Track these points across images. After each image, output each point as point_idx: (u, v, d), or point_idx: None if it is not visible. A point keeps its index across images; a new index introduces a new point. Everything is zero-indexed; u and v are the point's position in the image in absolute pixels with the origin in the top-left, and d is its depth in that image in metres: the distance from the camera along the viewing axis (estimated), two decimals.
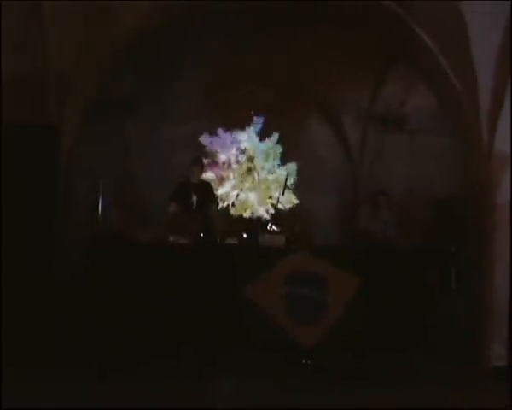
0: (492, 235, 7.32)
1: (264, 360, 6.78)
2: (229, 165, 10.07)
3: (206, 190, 8.32)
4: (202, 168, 8.53)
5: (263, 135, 10.19)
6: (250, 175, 10.04)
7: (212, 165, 9.87)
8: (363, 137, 11.03)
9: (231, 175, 10.00)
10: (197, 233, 7.57)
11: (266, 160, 10.11)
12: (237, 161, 10.08)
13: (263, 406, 5.76)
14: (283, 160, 10.15)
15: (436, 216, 9.02)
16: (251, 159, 10.08)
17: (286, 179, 9.34)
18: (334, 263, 7.24)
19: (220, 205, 9.58)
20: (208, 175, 9.51)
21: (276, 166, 10.10)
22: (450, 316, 7.52)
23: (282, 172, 9.99)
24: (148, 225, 8.29)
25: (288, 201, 9.93)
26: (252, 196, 9.95)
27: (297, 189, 9.84)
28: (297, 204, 9.97)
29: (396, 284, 7.30)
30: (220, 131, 10.11)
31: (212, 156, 10.06)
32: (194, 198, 8.04)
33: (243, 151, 10.16)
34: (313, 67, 10.00)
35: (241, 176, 10.03)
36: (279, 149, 10.17)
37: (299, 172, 9.93)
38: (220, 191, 9.76)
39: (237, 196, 9.87)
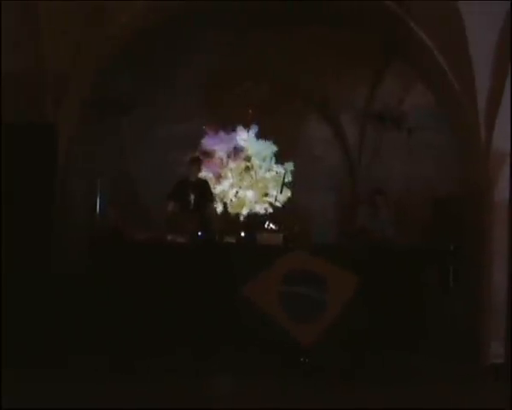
0: (490, 233, 7.40)
1: (262, 358, 6.83)
2: (227, 163, 10.06)
3: (204, 189, 8.35)
4: (200, 167, 8.57)
5: (260, 134, 10.18)
6: (248, 173, 10.03)
7: (209, 163, 9.86)
8: (361, 135, 11.02)
9: (229, 173, 9.99)
10: (195, 232, 7.57)
11: (263, 158, 10.10)
12: (235, 160, 10.07)
13: (261, 405, 5.78)
14: (281, 158, 10.13)
15: (434, 214, 9.04)
16: (248, 157, 10.07)
17: (284, 178, 9.35)
18: (332, 262, 7.25)
19: (218, 203, 9.58)
20: (206, 173, 9.49)
21: (273, 164, 10.09)
22: (448, 314, 7.58)
23: (279, 170, 9.97)
24: (146, 224, 8.32)
25: (286, 199, 9.92)
26: (249, 195, 9.94)
27: (295, 187, 9.82)
28: (295, 202, 9.95)
29: (394, 283, 7.31)
30: (217, 129, 10.11)
31: (210, 155, 10.05)
32: (192, 197, 8.07)
33: (240, 149, 10.14)
34: (311, 65, 10.00)
35: (239, 174, 10.01)
36: (277, 147, 10.17)
37: (296, 171, 9.91)
38: (218, 190, 9.75)
39: (236, 193, 9.87)
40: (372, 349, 7.05)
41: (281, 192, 9.48)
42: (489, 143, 7.41)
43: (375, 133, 10.90)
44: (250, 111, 10.11)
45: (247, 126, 10.10)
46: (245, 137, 10.13)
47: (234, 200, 9.94)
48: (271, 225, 8.23)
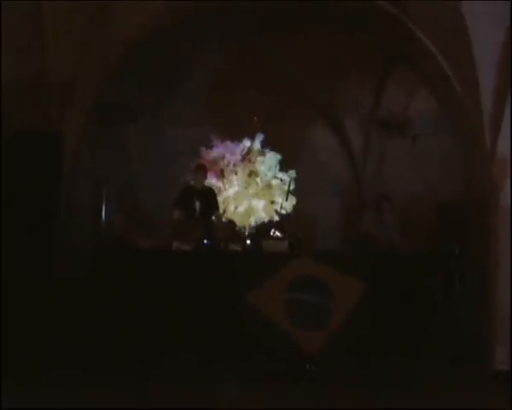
0: (495, 238, 7.38)
1: (266, 365, 6.83)
2: (232, 171, 10.12)
3: (210, 197, 8.39)
4: (206, 175, 8.59)
5: (265, 142, 10.24)
6: (253, 181, 10.07)
7: (215, 171, 9.92)
8: (366, 141, 11.06)
9: (234, 181, 10.04)
10: (200, 239, 7.62)
11: (269, 166, 10.14)
12: (240, 167, 10.12)
13: None
14: (286, 165, 10.18)
15: (439, 219, 9.04)
16: (254, 165, 10.12)
17: (289, 185, 9.39)
18: (337, 268, 7.27)
19: (223, 211, 9.60)
20: (211, 181, 9.54)
21: (279, 171, 10.13)
22: (453, 319, 7.56)
23: (285, 177, 10.01)
24: (151, 232, 8.37)
25: (292, 206, 9.96)
26: (255, 202, 9.99)
27: (300, 194, 9.86)
28: (300, 209, 9.98)
29: (399, 288, 7.34)
30: (223, 137, 10.17)
31: (215, 162, 10.11)
32: (198, 204, 8.10)
33: (246, 157, 10.19)
34: (315, 72, 10.04)
35: (245, 182, 10.06)
36: (282, 154, 10.22)
37: (301, 177, 9.96)
38: (223, 197, 9.79)
39: (240, 201, 9.91)
40: (377, 355, 7.05)
41: (286, 200, 9.51)
42: (494, 147, 7.40)
43: (380, 140, 10.93)
44: (255, 118, 10.16)
45: (252, 134, 10.17)
46: (251, 145, 10.19)
47: (239, 208, 9.99)
48: (277, 232, 8.26)
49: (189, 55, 9.49)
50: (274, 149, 10.20)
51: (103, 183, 8.48)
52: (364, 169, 11.15)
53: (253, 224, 9.86)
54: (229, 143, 10.16)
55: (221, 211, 9.26)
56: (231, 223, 9.63)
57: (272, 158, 10.17)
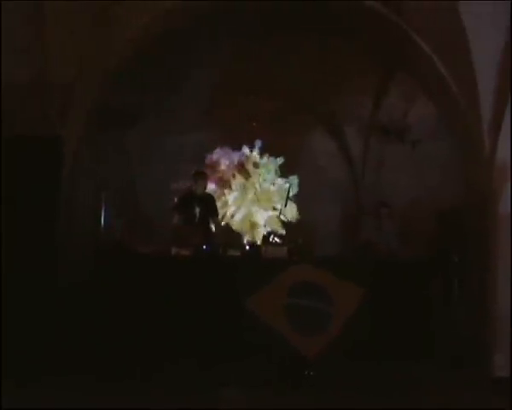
0: (495, 244, 7.37)
1: (266, 370, 6.85)
2: (231, 176, 10.15)
3: (209, 203, 8.44)
4: (206, 181, 8.62)
5: (264, 148, 10.28)
6: (252, 186, 10.10)
7: (213, 177, 9.96)
8: (366, 148, 11.10)
9: (233, 187, 10.07)
10: (199, 245, 7.67)
11: (268, 171, 10.18)
12: (239, 173, 10.16)
13: None
14: (285, 171, 10.21)
15: (438, 226, 9.08)
16: (252, 170, 10.14)
17: (288, 191, 9.42)
18: (337, 274, 7.30)
19: (222, 217, 9.64)
20: (210, 187, 9.57)
21: (277, 177, 10.17)
22: (452, 326, 7.61)
23: (284, 183, 10.04)
24: (151, 237, 8.41)
25: (291, 213, 9.98)
26: (254, 208, 10.02)
27: (299, 200, 9.89)
28: (300, 216, 10.01)
29: (399, 294, 7.38)
30: (223, 142, 10.21)
31: (214, 168, 10.14)
32: (197, 210, 8.15)
33: (245, 163, 10.23)
34: (314, 78, 10.06)
35: (243, 187, 10.09)
36: (281, 161, 10.25)
37: (301, 184, 10.00)
38: (222, 203, 9.83)
39: (239, 207, 9.95)
40: (376, 361, 7.07)
41: (285, 206, 9.54)
42: (493, 153, 7.39)
43: (380, 146, 10.97)
44: (254, 124, 10.20)
45: (251, 140, 10.20)
46: (250, 151, 10.22)
47: (238, 214, 10.02)
48: (276, 238, 8.30)
49: (191, 58, 9.50)
50: (273, 154, 10.22)
51: (103, 187, 8.51)
52: (364, 175, 11.17)
53: (251, 230, 9.87)
54: (228, 148, 10.19)
55: (220, 217, 9.28)
56: (230, 229, 9.67)
57: (271, 164, 10.19)
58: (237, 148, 10.23)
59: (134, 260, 7.47)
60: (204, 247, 7.68)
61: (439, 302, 7.73)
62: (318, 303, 7.22)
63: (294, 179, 9.96)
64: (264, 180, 10.11)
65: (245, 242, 9.29)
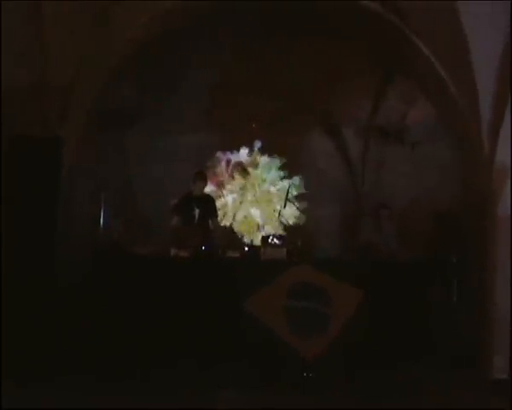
0: (494, 246, 7.43)
1: (265, 372, 6.92)
2: (231, 177, 10.19)
3: (209, 204, 8.48)
4: (205, 182, 8.66)
5: (263, 148, 10.33)
6: (251, 187, 10.13)
7: (213, 178, 10.00)
8: (365, 149, 11.13)
9: (233, 188, 10.11)
10: (198, 246, 7.71)
11: (268, 171, 10.21)
12: (238, 174, 10.20)
13: None
14: (284, 172, 10.26)
15: (438, 227, 9.12)
16: (252, 171, 10.18)
17: (287, 192, 9.46)
18: (336, 276, 7.35)
19: (221, 218, 9.67)
20: (209, 188, 9.62)
21: (278, 178, 10.20)
22: (451, 328, 7.65)
23: (284, 184, 10.07)
24: (149, 238, 8.44)
25: (291, 215, 10.02)
26: (253, 209, 10.05)
27: (299, 201, 9.94)
28: (301, 217, 10.04)
29: (398, 296, 7.43)
30: (222, 143, 10.26)
31: (214, 169, 10.19)
32: (197, 211, 8.19)
33: (244, 164, 10.27)
34: (313, 79, 10.10)
35: (242, 188, 10.12)
36: (281, 161, 10.30)
37: (300, 185, 10.05)
38: (221, 204, 9.87)
39: (238, 208, 9.98)
40: (375, 362, 7.14)
41: (284, 207, 9.58)
42: (492, 155, 7.44)
43: (379, 147, 11.01)
44: (254, 125, 10.24)
45: (250, 140, 10.24)
46: (249, 152, 10.27)
47: (238, 215, 10.06)
48: (275, 239, 8.33)
49: (191, 58, 9.54)
50: (272, 155, 10.26)
51: (102, 187, 8.54)
52: (363, 177, 11.20)
53: (251, 231, 9.91)
54: (227, 149, 10.23)
55: (219, 218, 9.30)
56: (229, 230, 9.70)
57: (271, 165, 10.23)
58: (236, 149, 10.28)
59: (132, 260, 7.52)
60: (203, 248, 7.72)
61: (438, 304, 7.77)
62: (317, 304, 7.27)
63: (296, 180, 10.01)
64: (264, 181, 10.14)
65: (244, 243, 9.32)
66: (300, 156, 10.87)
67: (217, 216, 8.75)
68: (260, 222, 9.97)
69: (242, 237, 9.84)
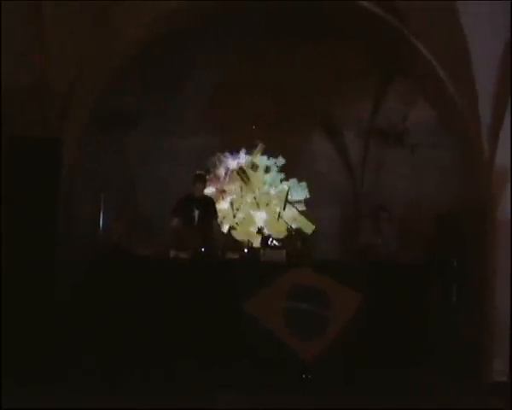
0: (493, 249, 7.46)
1: (264, 374, 6.97)
2: (230, 179, 10.23)
3: (208, 205, 8.53)
4: (205, 184, 8.73)
5: (264, 151, 10.36)
6: (251, 189, 10.16)
7: (213, 179, 10.04)
8: (365, 151, 11.17)
9: (232, 189, 10.15)
10: (198, 248, 7.76)
11: (267, 172, 10.25)
12: (238, 176, 10.23)
13: None
14: (284, 174, 10.30)
15: (437, 230, 9.18)
16: (252, 173, 10.22)
17: (287, 194, 9.49)
18: (336, 278, 7.40)
19: (221, 220, 9.70)
20: (209, 190, 9.67)
21: (277, 179, 10.24)
22: (451, 330, 7.70)
23: (283, 186, 10.11)
24: (150, 240, 8.48)
25: (291, 217, 10.05)
26: (253, 211, 10.07)
27: (299, 204, 9.98)
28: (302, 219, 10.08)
29: (397, 298, 7.47)
30: (222, 145, 10.30)
31: (213, 170, 10.23)
32: (196, 213, 8.23)
33: (244, 165, 10.31)
34: (314, 81, 10.14)
35: (242, 190, 10.16)
36: (280, 162, 10.33)
37: (303, 190, 10.09)
38: (221, 206, 9.91)
39: (238, 210, 10.02)
40: (374, 365, 7.19)
41: (284, 209, 9.62)
42: (492, 158, 7.46)
43: (379, 149, 11.05)
44: (254, 127, 10.28)
45: (251, 142, 10.28)
46: (249, 154, 10.31)
47: (238, 217, 10.10)
48: (275, 241, 8.40)
49: (193, 59, 9.57)
50: (272, 156, 10.29)
51: (102, 188, 8.59)
52: (363, 179, 11.23)
53: (250, 233, 9.94)
54: (228, 151, 10.27)
55: (219, 220, 9.33)
56: (229, 232, 9.74)
57: (271, 165, 10.27)
58: (237, 150, 10.32)
59: (133, 262, 7.57)
60: (203, 250, 7.77)
61: (437, 306, 7.82)
62: (317, 307, 7.33)
63: (294, 182, 10.05)
64: (264, 183, 10.18)
65: (244, 245, 9.36)
66: (300, 158, 10.90)
67: (216, 218, 8.79)
68: (260, 224, 10.00)
69: (242, 238, 9.87)
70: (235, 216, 9.90)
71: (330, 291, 7.39)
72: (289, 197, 9.90)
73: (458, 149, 8.26)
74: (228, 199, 10.05)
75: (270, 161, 10.21)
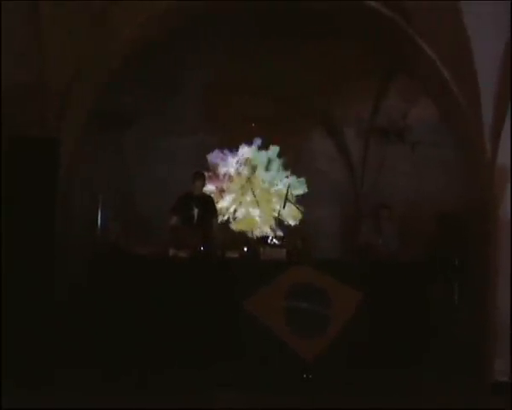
0: (495, 248, 7.45)
1: (264, 373, 7.02)
2: (230, 177, 10.27)
3: (208, 204, 8.56)
4: (204, 182, 8.76)
5: (263, 147, 10.41)
6: (251, 187, 10.20)
7: (212, 177, 10.08)
8: (365, 149, 11.21)
9: (232, 188, 10.19)
10: (197, 246, 7.80)
11: (267, 169, 10.28)
12: (238, 173, 10.27)
13: None
14: (285, 171, 10.35)
15: (439, 229, 9.20)
16: (251, 170, 10.25)
17: (287, 192, 9.55)
18: (336, 276, 7.46)
19: (221, 218, 9.75)
20: (209, 188, 9.71)
21: (277, 177, 10.28)
22: (452, 330, 7.75)
23: (282, 185, 10.15)
24: (148, 239, 8.53)
25: (291, 215, 10.10)
26: (252, 209, 10.12)
27: (299, 202, 10.03)
28: (302, 217, 10.13)
29: (398, 298, 7.52)
30: (221, 143, 10.34)
31: (213, 169, 10.27)
32: (196, 211, 8.26)
33: (244, 163, 10.35)
34: (314, 79, 10.18)
35: (242, 188, 10.20)
36: (280, 161, 10.37)
37: (302, 186, 10.14)
38: (221, 204, 9.96)
39: (237, 208, 10.06)
40: (375, 364, 7.25)
41: (284, 207, 9.68)
42: (494, 157, 7.47)
43: (379, 147, 11.09)
44: (253, 125, 10.32)
45: (250, 140, 10.32)
46: (248, 152, 10.35)
47: (237, 215, 10.15)
48: (274, 239, 8.44)
49: (189, 59, 9.62)
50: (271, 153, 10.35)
51: (100, 188, 8.63)
52: (364, 177, 11.27)
53: (250, 231, 9.99)
54: (227, 149, 10.32)
55: (219, 218, 9.37)
56: (229, 230, 9.78)
57: (270, 161, 10.30)
58: (236, 149, 10.36)
59: (131, 261, 7.61)
60: (202, 248, 7.81)
61: (438, 306, 7.87)
62: (317, 305, 7.39)
63: (299, 181, 10.10)
64: (264, 180, 10.21)
65: (243, 243, 9.41)
66: (300, 157, 10.94)
67: (216, 216, 8.83)
68: (259, 222, 10.03)
69: (242, 236, 9.91)
70: (234, 214, 9.94)
71: (331, 290, 7.43)
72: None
73: (460, 148, 8.26)
74: (228, 198, 10.10)
75: (270, 159, 10.25)
